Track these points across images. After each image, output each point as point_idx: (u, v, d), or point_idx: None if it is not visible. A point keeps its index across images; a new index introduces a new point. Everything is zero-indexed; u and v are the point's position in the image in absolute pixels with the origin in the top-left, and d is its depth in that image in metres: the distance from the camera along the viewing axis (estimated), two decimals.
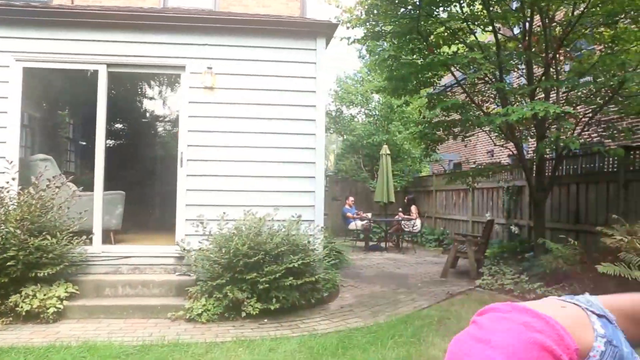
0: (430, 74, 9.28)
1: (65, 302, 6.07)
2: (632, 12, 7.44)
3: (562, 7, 8.05)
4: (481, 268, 9.19)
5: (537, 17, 8.58)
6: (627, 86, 7.08)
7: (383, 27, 8.64)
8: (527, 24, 8.41)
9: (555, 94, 8.74)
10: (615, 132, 8.21)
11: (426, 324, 6.05)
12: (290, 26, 7.58)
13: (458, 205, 14.74)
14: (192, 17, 7.57)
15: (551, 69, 8.56)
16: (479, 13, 8.66)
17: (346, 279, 9.17)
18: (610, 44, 8.21)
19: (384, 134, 17.00)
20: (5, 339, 5.33)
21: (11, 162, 6.59)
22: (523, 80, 9.88)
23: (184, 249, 6.84)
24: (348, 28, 8.67)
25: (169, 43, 7.30)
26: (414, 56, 8.71)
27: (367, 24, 8.37)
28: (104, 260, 6.92)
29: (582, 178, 9.57)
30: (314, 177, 7.30)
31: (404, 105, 9.92)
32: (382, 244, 14.32)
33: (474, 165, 10.92)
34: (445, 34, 9.09)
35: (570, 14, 7.93)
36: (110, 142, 11.40)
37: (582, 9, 7.50)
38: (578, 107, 8.82)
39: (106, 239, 7.34)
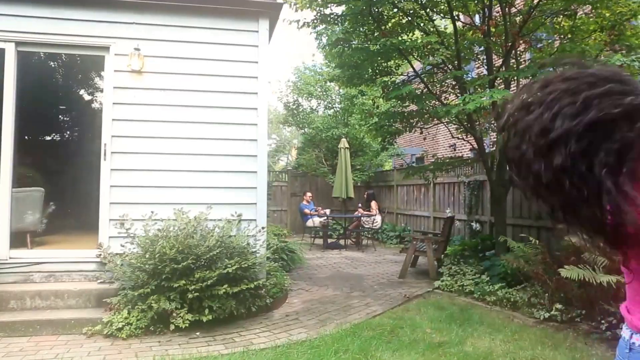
0: (385, 62, 8.66)
1: None
2: (591, 2, 6.99)
3: None
4: (441, 268, 8.63)
5: (498, 8, 8.06)
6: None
7: (333, 9, 7.97)
8: (486, 10, 7.86)
9: (515, 85, 8.22)
10: None
11: (377, 335, 5.41)
12: (230, 4, 6.82)
13: (419, 200, 14.22)
14: None
15: (511, 59, 8.05)
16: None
17: (297, 282, 8.49)
18: (569, 35, 7.74)
19: (343, 127, 16.37)
20: None
21: None
22: (484, 71, 9.36)
23: (107, 253, 6.04)
24: (297, 10, 7.96)
25: (90, 20, 6.46)
26: (368, 42, 8.05)
27: (315, 4, 7.67)
28: (12, 268, 6.06)
29: None
30: (255, 171, 6.58)
31: (359, 94, 9.23)
32: (341, 242, 13.70)
33: (435, 159, 10.35)
34: (403, 20, 8.49)
35: (530, 1, 7.43)
36: (26, 133, 10.17)
37: None
38: None
39: (20, 243, 6.48)
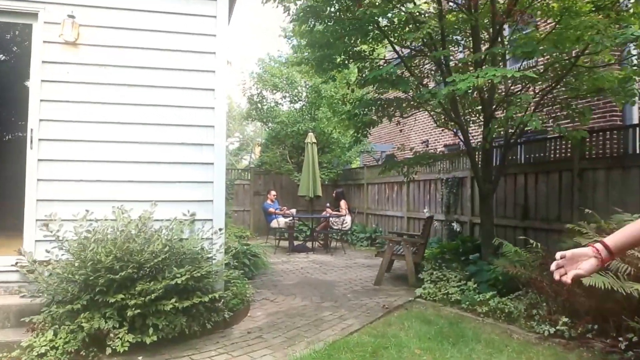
0: (361, 40, 7.75)
1: None
2: None
3: None
4: (421, 273, 7.80)
5: None
6: (593, 49, 5.78)
7: None
8: None
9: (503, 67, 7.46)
10: (574, 112, 6.98)
11: (357, 357, 4.51)
12: None
13: (392, 199, 13.42)
14: None
15: (499, 42, 7.29)
16: None
17: (261, 290, 7.54)
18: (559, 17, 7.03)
19: (310, 121, 15.45)
20: None
21: None
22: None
23: (31, 261, 4.98)
24: None
25: None
26: (342, 15, 7.13)
27: None
28: None
29: (530, 167, 8.38)
30: (212, 163, 5.59)
31: (329, 81, 8.32)
32: (309, 244, 12.79)
33: (410, 155, 9.52)
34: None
35: None
36: None
37: None
38: (529, 87, 7.57)
39: None
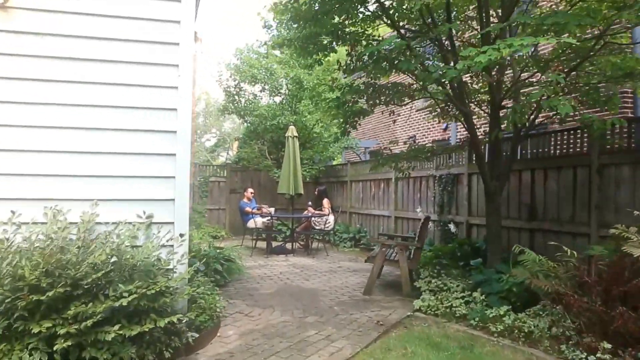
0: (350, 25, 6.79)
1: None
2: None
3: None
4: (417, 281, 6.88)
5: None
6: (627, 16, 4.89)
7: None
8: None
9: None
10: (600, 98, 6.10)
11: None
12: None
13: (378, 198, 12.49)
14: None
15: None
16: None
17: (235, 301, 6.55)
18: None
19: (291, 114, 14.44)
20: None
21: None
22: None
23: None
24: None
25: None
26: None
27: None
28: None
29: (538, 163, 7.52)
30: (173, 154, 4.55)
31: (316, 64, 7.33)
32: (288, 245, 11.80)
33: (400, 150, 8.60)
34: None
35: None
36: None
37: None
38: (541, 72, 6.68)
39: None
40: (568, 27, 4.60)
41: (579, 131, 6.90)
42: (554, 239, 7.03)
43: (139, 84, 4.58)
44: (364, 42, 6.68)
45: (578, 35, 5.70)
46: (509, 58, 5.52)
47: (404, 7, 6.21)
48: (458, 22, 6.48)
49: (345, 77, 7.66)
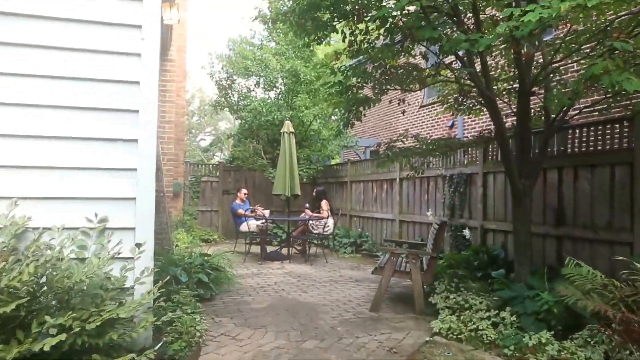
0: None
1: None
2: None
3: None
4: (432, 296, 5.96)
5: None
6: None
7: None
8: None
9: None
10: None
11: None
12: None
13: (380, 199, 11.56)
14: None
15: None
16: None
17: (221, 318, 5.62)
18: None
19: (287, 110, 13.49)
20: None
21: None
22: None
23: None
24: None
25: None
26: None
27: None
28: None
29: (566, 160, 6.60)
30: (135, 140, 3.59)
31: (314, 43, 6.37)
32: (284, 251, 10.87)
33: (422, 142, 7.65)
34: None
35: None
36: None
37: None
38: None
39: None
40: None
41: (617, 124, 5.99)
42: (587, 248, 6.17)
43: (88, 49, 3.59)
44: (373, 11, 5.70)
45: None
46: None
47: None
48: None
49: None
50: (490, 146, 7.89)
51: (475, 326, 4.89)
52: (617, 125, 5.99)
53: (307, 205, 11.84)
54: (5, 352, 2.48)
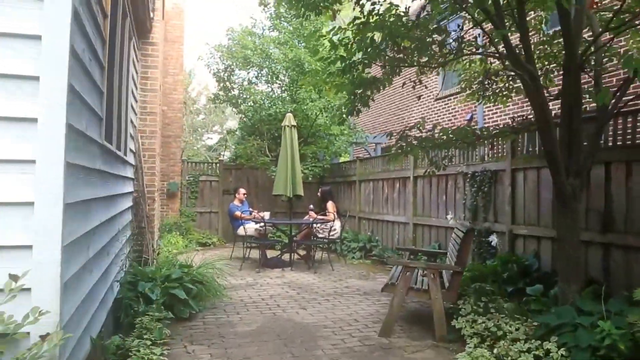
0: None
1: None
2: None
3: None
4: (455, 319, 4.88)
5: None
6: None
7: None
8: None
9: None
10: None
11: None
12: None
13: (392, 200, 10.48)
14: None
15: None
16: None
17: (195, 347, 4.59)
18: None
19: (290, 103, 12.44)
20: None
21: None
22: None
23: None
24: None
25: None
26: None
27: None
28: None
29: (615, 153, 5.48)
30: (34, 120, 2.41)
31: (315, 14, 5.29)
32: (286, 257, 9.84)
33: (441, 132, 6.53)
34: None
35: None
36: None
37: None
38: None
39: None
40: None
41: None
42: None
43: None
44: None
45: None
46: None
47: None
48: None
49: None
50: (519, 138, 6.80)
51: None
52: None
53: (311, 206, 10.80)
54: None
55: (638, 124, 5.24)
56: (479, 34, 5.11)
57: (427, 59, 4.98)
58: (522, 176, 6.91)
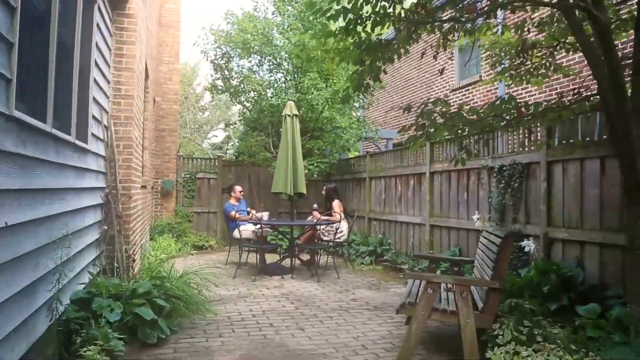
0: None
1: None
2: None
3: None
4: (490, 350, 3.80)
5: None
6: None
7: None
8: None
9: None
10: None
11: None
12: None
13: (406, 199, 9.39)
14: None
15: None
16: None
17: None
18: None
19: (294, 92, 11.37)
20: None
21: None
22: None
23: None
24: None
25: None
26: None
27: None
28: None
29: None
30: None
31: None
32: (287, 262, 8.80)
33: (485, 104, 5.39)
34: None
35: None
36: None
37: None
38: None
39: None
40: None
41: None
42: None
43: None
44: None
45: None
46: None
47: None
48: None
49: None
50: (557, 124, 5.71)
51: None
52: None
53: (315, 206, 9.73)
54: None
55: None
56: None
57: (455, 13, 3.87)
58: (561, 169, 5.82)
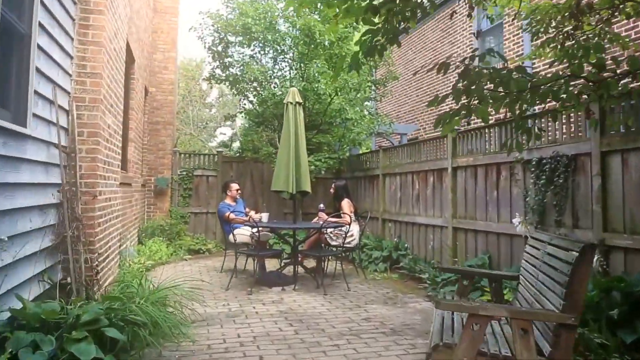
0: None
1: None
2: None
3: None
4: None
5: None
6: None
7: None
8: None
9: None
10: None
11: None
12: None
13: (425, 198, 8.28)
14: None
15: None
16: None
17: None
18: None
19: (298, 80, 10.30)
20: None
21: None
22: None
23: None
24: None
25: None
26: None
27: None
28: None
29: None
30: None
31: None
32: (289, 270, 7.73)
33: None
34: None
35: None
36: None
37: None
38: None
39: None
40: None
41: None
42: None
43: None
44: None
45: None
46: None
47: None
48: None
49: None
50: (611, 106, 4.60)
51: None
52: None
53: (321, 206, 8.63)
54: None
55: None
56: None
57: None
58: (620, 162, 4.72)
